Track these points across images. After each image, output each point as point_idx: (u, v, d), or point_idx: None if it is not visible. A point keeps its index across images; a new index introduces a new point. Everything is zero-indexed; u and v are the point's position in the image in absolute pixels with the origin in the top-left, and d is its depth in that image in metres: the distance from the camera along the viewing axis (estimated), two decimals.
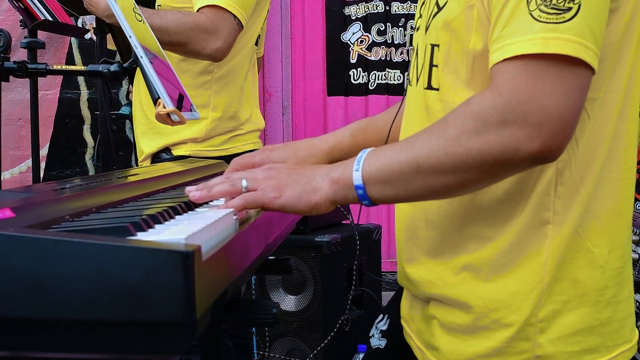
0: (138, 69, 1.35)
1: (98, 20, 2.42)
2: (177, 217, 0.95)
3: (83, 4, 2.08)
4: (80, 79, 3.66)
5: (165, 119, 1.20)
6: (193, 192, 1.03)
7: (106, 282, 0.68)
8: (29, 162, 3.59)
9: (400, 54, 3.75)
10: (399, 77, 3.75)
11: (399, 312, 1.28)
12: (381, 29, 3.77)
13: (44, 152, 3.64)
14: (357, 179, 0.99)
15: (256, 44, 2.35)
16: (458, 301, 1.06)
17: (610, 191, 1.03)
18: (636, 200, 3.00)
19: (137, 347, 0.71)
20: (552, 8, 0.89)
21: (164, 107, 1.18)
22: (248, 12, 2.08)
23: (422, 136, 0.97)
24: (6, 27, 1.66)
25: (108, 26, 2.50)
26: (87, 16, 3.22)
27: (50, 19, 2.13)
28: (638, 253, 2.76)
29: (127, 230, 0.77)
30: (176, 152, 2.21)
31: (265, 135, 3.79)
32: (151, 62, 1.23)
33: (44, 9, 2.17)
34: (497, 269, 1.03)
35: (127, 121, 3.60)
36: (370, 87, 3.78)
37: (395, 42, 3.76)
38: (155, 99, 1.20)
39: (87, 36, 3.42)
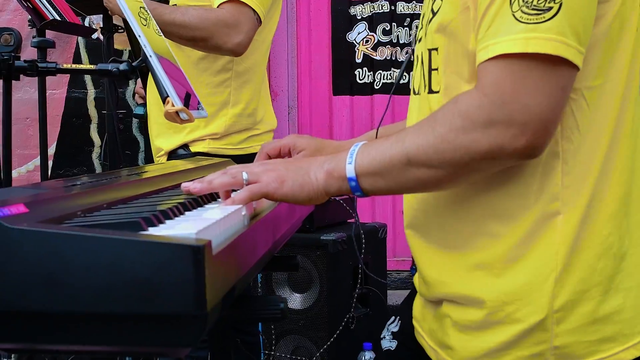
0: None
1: (105, 20, 2.44)
2: (186, 213, 0.96)
3: (90, 4, 2.10)
4: (87, 79, 3.68)
5: (174, 117, 1.21)
6: (193, 185, 1.05)
7: (118, 275, 0.69)
8: (36, 161, 3.61)
9: (406, 54, 3.76)
10: (404, 77, 3.76)
11: (410, 313, 1.29)
12: (386, 28, 3.78)
13: (51, 151, 3.66)
14: (349, 171, 1.03)
15: None
16: (471, 298, 1.07)
17: (618, 177, 1.04)
18: None
19: (149, 339, 0.72)
20: (533, 9, 0.93)
21: (173, 105, 1.20)
22: (266, 8, 2.11)
23: (412, 132, 1.01)
24: (14, 27, 1.67)
25: (116, 26, 2.52)
26: (94, 16, 3.24)
27: (58, 18, 2.15)
28: None
29: (139, 225, 0.78)
30: (194, 148, 2.23)
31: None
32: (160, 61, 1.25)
33: (52, 8, 2.19)
34: (509, 263, 1.04)
35: (135, 120, 3.62)
36: (376, 87, 3.79)
37: (401, 42, 3.78)
38: (164, 98, 1.21)
39: (94, 36, 3.43)
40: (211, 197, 1.14)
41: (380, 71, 3.78)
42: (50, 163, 3.59)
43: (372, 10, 3.78)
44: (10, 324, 0.73)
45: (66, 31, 2.45)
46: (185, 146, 2.24)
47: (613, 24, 1.00)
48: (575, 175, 1.02)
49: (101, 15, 2.44)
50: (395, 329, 1.35)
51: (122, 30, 2.64)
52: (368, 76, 3.79)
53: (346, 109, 3.81)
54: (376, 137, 1.36)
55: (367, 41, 3.79)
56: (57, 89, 3.60)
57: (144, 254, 0.69)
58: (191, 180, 1.08)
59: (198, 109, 1.44)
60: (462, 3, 1.03)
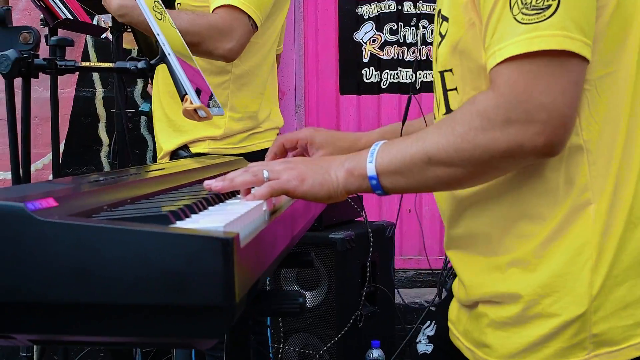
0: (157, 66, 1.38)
1: (114, 19, 2.45)
2: (209, 207, 0.98)
3: (100, 3, 2.10)
4: (96, 78, 3.69)
5: (193, 114, 1.23)
6: (215, 183, 1.07)
7: (149, 267, 0.70)
8: (44, 160, 3.63)
9: (412, 53, 3.77)
10: (410, 76, 3.77)
11: (445, 317, 1.30)
12: (393, 28, 3.79)
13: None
14: (370, 170, 1.04)
15: None
16: (507, 294, 1.08)
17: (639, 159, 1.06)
18: None
19: (178, 330, 0.73)
20: (532, 9, 0.94)
21: (191, 103, 1.21)
22: (264, 12, 2.08)
23: (432, 132, 1.02)
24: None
25: (125, 25, 2.53)
26: (104, 15, 3.26)
27: (71, 17, 2.17)
28: None
29: (167, 218, 0.80)
30: (194, 149, 2.22)
31: (279, 134, 3.81)
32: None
33: (65, 7, 2.20)
34: (544, 257, 1.05)
35: (143, 119, 3.63)
36: (383, 86, 3.80)
37: (407, 42, 3.79)
38: (183, 95, 1.22)
39: (103, 35, 3.45)
40: (231, 193, 1.15)
41: (387, 71, 3.79)
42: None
43: (379, 10, 3.79)
44: (41, 316, 0.74)
45: (78, 30, 2.46)
46: (185, 147, 2.24)
47: (616, 12, 1.02)
48: (601, 163, 1.04)
49: (110, 15, 2.45)
50: (431, 333, 1.36)
51: (130, 30, 2.65)
52: (375, 75, 3.80)
53: (353, 108, 3.82)
54: (401, 135, 1.37)
55: (374, 41, 3.80)
56: (66, 88, 3.62)
57: (175, 246, 0.70)
58: (210, 178, 1.10)
59: (210, 105, 1.46)
60: (467, 20, 1.05)
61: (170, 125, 2.25)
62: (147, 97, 3.46)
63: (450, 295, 1.31)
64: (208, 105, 1.43)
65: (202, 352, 2.84)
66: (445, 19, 1.09)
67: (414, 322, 3.29)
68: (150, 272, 0.71)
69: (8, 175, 3.68)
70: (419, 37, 3.77)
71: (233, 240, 0.71)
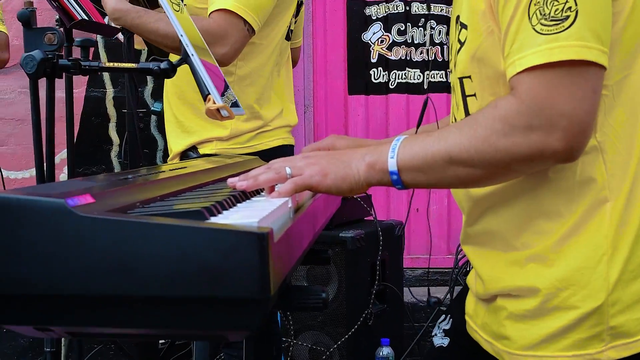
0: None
1: None
2: (238, 204, 1.00)
3: None
4: (106, 78, 3.72)
5: (215, 114, 1.25)
6: (240, 182, 1.09)
7: (187, 261, 0.73)
8: (56, 159, 3.65)
9: (420, 54, 3.79)
10: (418, 76, 3.80)
11: (461, 311, 1.33)
12: (401, 28, 3.82)
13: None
14: (392, 165, 1.07)
15: (287, 38, 2.33)
16: (525, 288, 1.11)
17: None
18: None
19: (214, 323, 0.76)
20: (551, 20, 0.98)
21: (214, 102, 1.23)
22: (262, 16, 2.06)
23: (454, 132, 1.05)
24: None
25: None
26: None
27: (86, 18, 2.19)
28: None
29: (202, 214, 0.82)
30: (202, 150, 2.22)
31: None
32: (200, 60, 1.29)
33: (80, 8, 2.22)
34: (561, 252, 1.08)
35: (153, 119, 3.66)
36: (391, 86, 3.83)
37: (415, 42, 3.81)
38: (205, 95, 1.25)
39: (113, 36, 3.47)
40: (255, 190, 1.18)
41: (395, 71, 3.82)
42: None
43: (387, 10, 3.81)
44: (80, 308, 0.76)
45: (91, 31, 2.49)
46: (194, 148, 2.25)
47: (631, 16, 1.05)
48: (618, 162, 1.07)
49: None
50: (447, 327, 1.38)
51: None
52: (383, 76, 3.82)
53: (361, 108, 3.84)
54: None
55: (382, 41, 3.82)
56: (77, 88, 3.64)
57: (211, 240, 0.73)
58: (231, 176, 1.12)
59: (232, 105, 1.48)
60: (485, 28, 1.08)
61: (178, 127, 2.27)
62: (157, 97, 3.48)
63: (465, 290, 1.34)
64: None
65: (216, 351, 2.87)
66: (464, 26, 1.12)
67: (422, 321, 3.31)
68: (188, 266, 0.73)
69: (22, 174, 3.71)
70: (427, 38, 3.80)
71: (268, 235, 0.73)
